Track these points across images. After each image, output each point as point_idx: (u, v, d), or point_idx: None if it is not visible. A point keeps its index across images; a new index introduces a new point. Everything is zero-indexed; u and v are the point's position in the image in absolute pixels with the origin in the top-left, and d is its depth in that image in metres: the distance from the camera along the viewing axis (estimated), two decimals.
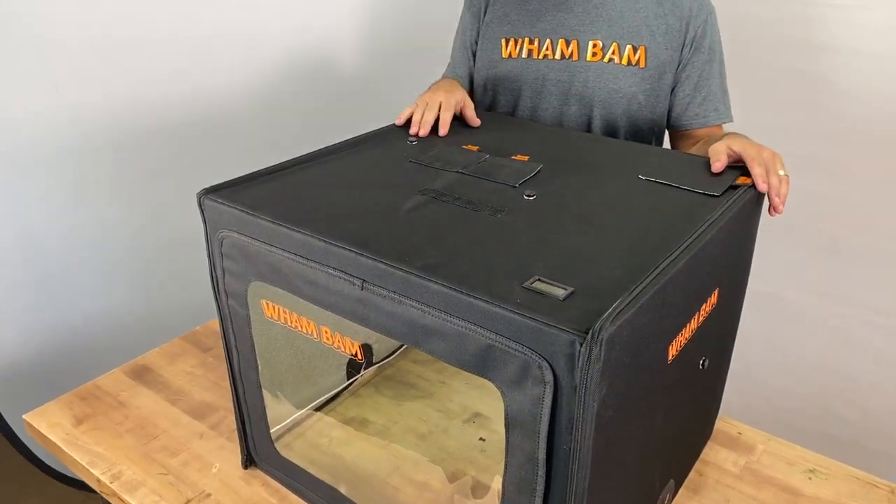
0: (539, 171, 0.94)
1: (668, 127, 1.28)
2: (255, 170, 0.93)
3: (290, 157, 0.98)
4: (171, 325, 1.43)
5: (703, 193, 0.88)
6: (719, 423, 1.13)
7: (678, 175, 0.94)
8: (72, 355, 1.50)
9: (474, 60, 1.35)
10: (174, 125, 1.55)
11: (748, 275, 1.01)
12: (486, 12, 1.32)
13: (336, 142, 1.05)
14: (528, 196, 0.87)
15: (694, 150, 1.20)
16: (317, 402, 1.14)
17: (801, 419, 1.76)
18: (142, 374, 1.24)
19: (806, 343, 1.73)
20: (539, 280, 0.67)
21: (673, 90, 1.22)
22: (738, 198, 0.87)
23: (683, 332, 0.78)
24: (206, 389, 1.21)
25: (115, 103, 1.44)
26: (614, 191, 0.89)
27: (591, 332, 0.58)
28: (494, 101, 1.32)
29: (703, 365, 0.90)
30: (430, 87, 1.24)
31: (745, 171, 0.95)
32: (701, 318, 0.83)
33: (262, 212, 0.81)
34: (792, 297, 1.73)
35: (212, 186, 0.87)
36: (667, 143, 1.33)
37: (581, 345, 0.59)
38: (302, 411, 1.13)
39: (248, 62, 1.66)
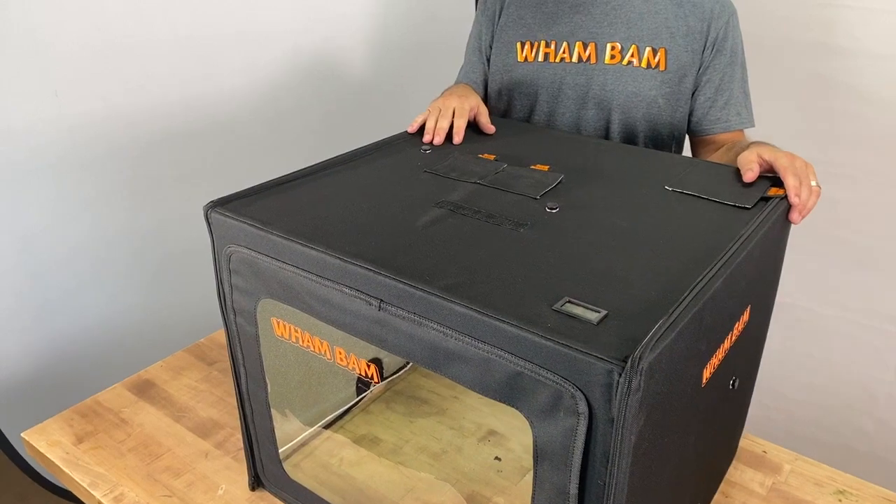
0: (560, 181, 0.90)
1: (689, 132, 1.24)
2: (262, 178, 0.89)
3: (298, 165, 0.94)
4: (174, 337, 1.39)
5: (735, 206, 0.84)
6: (744, 441, 1.09)
7: (706, 186, 0.90)
8: (72, 369, 1.46)
9: (489, 65, 1.31)
10: (177, 132, 1.51)
11: (777, 289, 0.97)
12: (500, 15, 1.28)
13: (346, 149, 1.01)
14: (551, 209, 0.83)
15: (715, 157, 1.16)
16: (326, 419, 1.10)
17: (819, 431, 1.72)
18: (145, 389, 1.20)
19: (824, 354, 1.69)
20: (570, 302, 0.63)
21: (693, 94, 1.18)
22: (770, 210, 0.83)
23: (718, 353, 0.74)
24: (212, 405, 1.17)
25: (116, 110, 1.40)
26: (641, 203, 0.85)
27: (630, 360, 0.54)
28: (510, 106, 1.28)
29: (733, 385, 0.86)
30: (442, 93, 1.21)
31: (775, 181, 0.91)
32: (734, 338, 0.79)
33: (272, 226, 0.77)
34: (810, 307, 1.69)
35: (219, 199, 0.83)
36: (686, 149, 1.29)
37: (620, 374, 0.55)
38: (311, 429, 1.09)
39: (253, 65, 1.62)
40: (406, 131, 1.10)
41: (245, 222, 0.78)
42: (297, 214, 0.80)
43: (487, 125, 1.10)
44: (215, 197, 0.83)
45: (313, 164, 0.96)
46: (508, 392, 0.62)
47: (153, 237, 1.52)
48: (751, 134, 1.20)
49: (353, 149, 1.01)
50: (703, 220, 0.81)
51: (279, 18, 1.64)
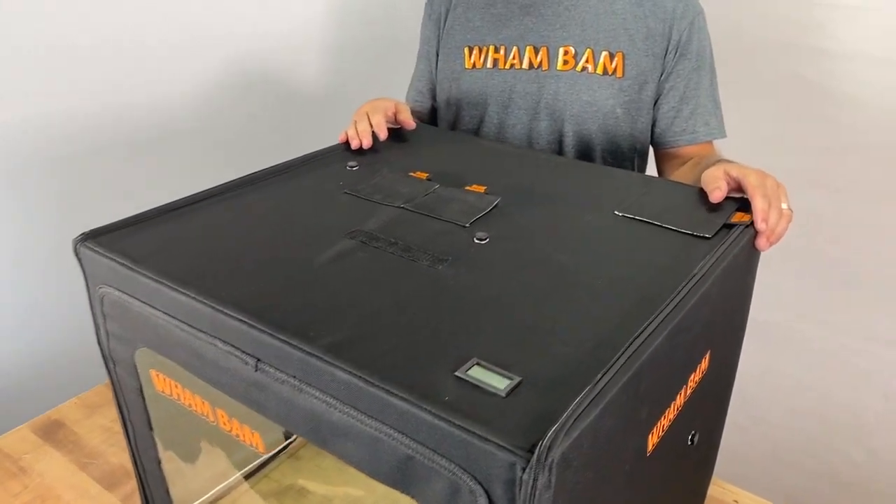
0: (496, 205, 0.79)
1: (653, 145, 1.12)
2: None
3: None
4: (94, 368, 1.27)
5: (693, 235, 0.73)
6: (713, 489, 0.98)
7: (661, 209, 0.78)
8: None
9: (436, 72, 1.20)
10: (109, 143, 1.39)
11: (745, 325, 0.85)
12: (446, 18, 1.16)
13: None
14: (480, 239, 0.71)
15: (681, 174, 1.04)
16: (246, 469, 0.99)
17: (804, 458, 1.61)
18: (52, 432, 1.08)
19: (806, 376, 1.58)
20: (478, 364, 0.52)
21: (656, 103, 1.07)
22: (734, 240, 0.72)
23: (667, 413, 0.63)
24: (124, 450, 1.04)
25: (49, 120, 1.28)
26: (585, 232, 0.74)
27: (537, 451, 0.43)
28: (458, 116, 1.17)
29: (692, 441, 0.75)
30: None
31: (742, 203, 0.79)
32: (689, 392, 0.68)
33: (143, 264, 0.65)
34: (788, 326, 1.58)
35: (95, 229, 0.71)
36: (652, 165, 1.18)
37: (524, 469, 0.43)
38: (231, 479, 0.97)
39: (193, 72, 1.50)
40: (338, 144, 0.99)
41: (114, 259, 0.66)
42: (179, 249, 0.68)
43: (407, 121, 1.01)
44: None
45: (221, 183, 0.85)
46: (401, 477, 0.51)
47: (71, 257, 1.39)
48: (722, 145, 1.09)
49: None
50: (654, 253, 0.70)
51: (224, 22, 1.52)
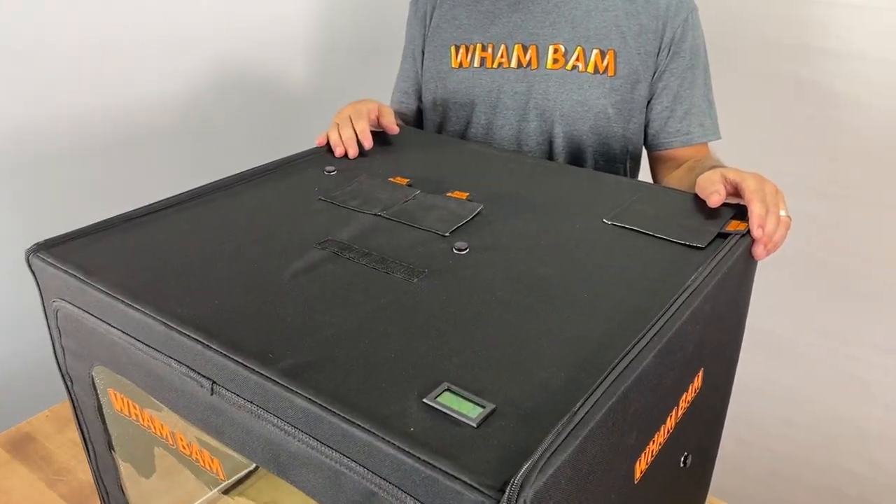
0: (478, 213, 0.75)
1: (646, 146, 1.08)
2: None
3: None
4: None
5: (685, 245, 0.69)
6: None
7: (653, 217, 0.74)
8: None
9: (422, 72, 1.16)
10: (85, 144, 1.35)
11: (742, 339, 0.81)
12: (432, 16, 1.12)
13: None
14: (459, 250, 0.67)
15: (675, 178, 1.00)
16: (222, 485, 0.94)
17: (804, 471, 1.57)
18: (22, 446, 1.04)
19: (808, 387, 1.54)
20: (449, 390, 0.48)
21: (649, 103, 1.03)
22: (729, 251, 0.68)
23: (656, 438, 0.59)
24: None
25: (21, 121, 1.24)
26: (571, 242, 0.70)
27: (507, 491, 0.39)
28: (445, 117, 1.13)
29: (685, 463, 0.70)
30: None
31: (739, 211, 0.75)
32: (680, 413, 0.63)
33: (96, 277, 0.61)
34: (787, 335, 1.53)
35: (48, 240, 0.67)
36: (644, 169, 1.14)
37: None
38: (209, 494, 0.93)
39: (174, 72, 1.45)
40: (317, 145, 0.95)
41: (66, 271, 0.62)
42: (136, 261, 0.64)
43: (391, 126, 0.97)
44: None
45: (192, 188, 0.81)
46: None
47: None
48: (716, 147, 1.05)
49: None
50: (643, 265, 0.65)
51: (203, 21, 1.47)
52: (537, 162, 0.93)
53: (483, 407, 0.46)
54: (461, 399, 0.47)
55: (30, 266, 0.65)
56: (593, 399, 0.46)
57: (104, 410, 0.68)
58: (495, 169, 0.88)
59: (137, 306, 0.56)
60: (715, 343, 0.70)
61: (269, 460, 0.51)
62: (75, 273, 0.61)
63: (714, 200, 0.74)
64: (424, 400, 0.47)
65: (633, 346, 0.52)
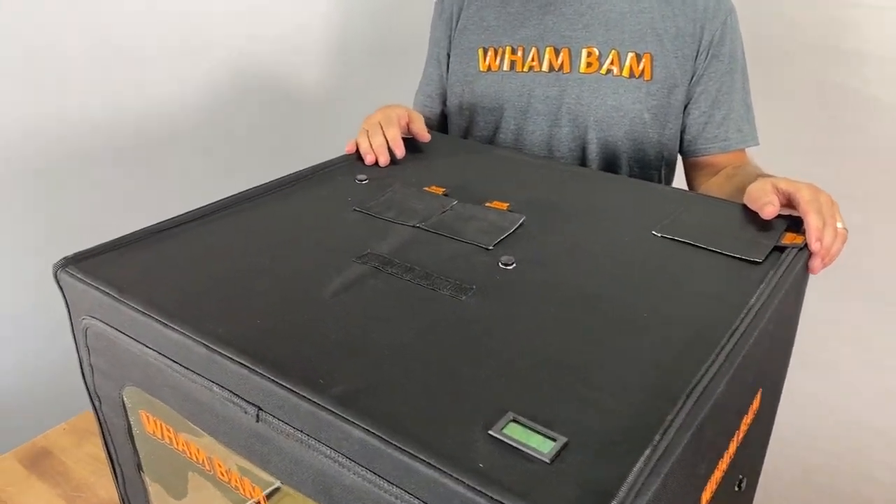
0: (521, 224, 0.72)
1: (682, 153, 1.05)
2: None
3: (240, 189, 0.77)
4: (83, 391, 1.19)
5: (741, 259, 0.66)
6: None
7: (704, 229, 0.71)
8: None
9: (447, 76, 1.13)
10: (100, 150, 1.32)
11: (790, 355, 0.78)
12: (458, 18, 1.09)
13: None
14: (506, 264, 0.64)
15: (713, 185, 0.97)
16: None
17: (829, 479, 1.53)
18: (39, 461, 1.01)
19: (830, 395, 1.51)
20: (514, 421, 0.45)
21: (686, 107, 1.00)
22: (788, 266, 0.65)
23: (720, 465, 0.56)
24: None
25: (36, 126, 1.21)
26: (621, 256, 0.67)
27: None
28: (472, 123, 1.09)
29: (740, 486, 0.67)
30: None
31: (791, 223, 0.72)
32: (741, 436, 0.60)
33: (130, 294, 0.58)
34: (811, 342, 1.50)
35: (77, 254, 0.64)
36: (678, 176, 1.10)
37: None
38: None
39: (192, 76, 1.42)
40: (346, 154, 0.92)
41: (98, 288, 0.59)
42: (170, 277, 0.61)
43: (422, 132, 0.94)
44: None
45: (220, 199, 0.78)
46: None
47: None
48: (753, 154, 1.02)
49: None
50: (701, 281, 0.62)
51: (221, 23, 1.44)
52: (573, 169, 0.90)
53: (553, 440, 0.43)
54: (529, 431, 0.44)
55: (57, 281, 0.63)
56: (672, 431, 0.43)
57: (133, 431, 0.65)
58: (531, 177, 0.85)
59: (175, 326, 0.53)
60: (772, 362, 0.67)
61: (319, 492, 0.48)
62: (107, 290, 0.58)
63: (768, 212, 0.70)
64: (490, 432, 0.44)
65: (706, 372, 0.49)
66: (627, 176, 1.02)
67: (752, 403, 0.62)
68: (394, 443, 0.43)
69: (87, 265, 0.62)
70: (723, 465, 0.56)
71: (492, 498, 0.39)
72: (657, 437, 0.43)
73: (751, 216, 0.74)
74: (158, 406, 0.59)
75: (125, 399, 0.63)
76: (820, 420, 1.54)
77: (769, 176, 0.82)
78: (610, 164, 1.02)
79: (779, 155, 1.09)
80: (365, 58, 1.77)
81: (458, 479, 0.40)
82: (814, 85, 1.38)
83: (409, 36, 1.62)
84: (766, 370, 0.64)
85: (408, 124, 0.94)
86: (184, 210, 0.73)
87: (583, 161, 1.02)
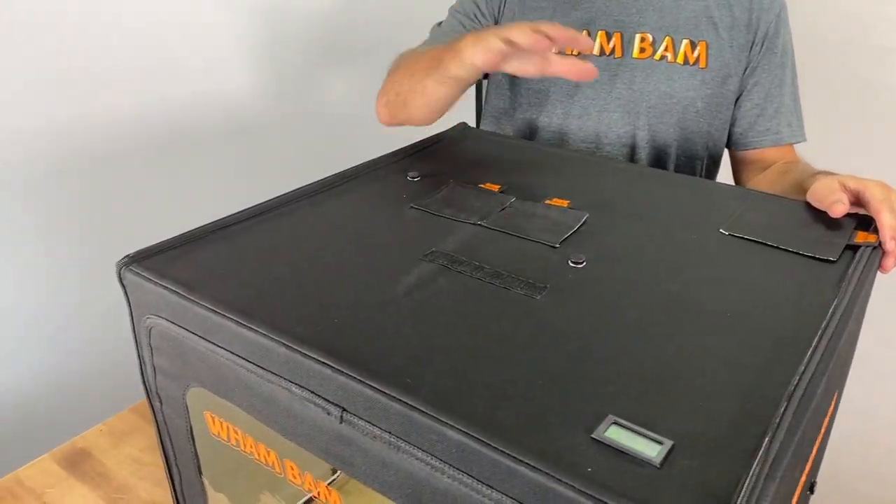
0: (584, 222, 0.71)
1: (731, 146, 1.03)
2: (230, 207, 0.69)
3: (276, 190, 0.75)
4: (120, 392, 1.19)
5: (814, 258, 0.64)
6: None
7: (771, 227, 0.70)
8: None
9: None
10: (126, 149, 1.31)
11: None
12: (506, 2, 1.06)
13: (334, 170, 0.82)
14: (576, 263, 0.63)
15: (764, 180, 0.96)
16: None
17: (864, 484, 1.52)
18: (77, 462, 1.00)
19: (866, 397, 1.49)
20: (616, 423, 0.43)
21: (738, 99, 0.98)
22: (865, 265, 0.63)
23: (806, 469, 0.54)
24: (156, 484, 0.96)
25: (72, 125, 1.20)
26: (691, 254, 0.65)
27: None
28: (514, 107, 1.07)
29: (811, 490, 0.66)
30: (456, 46, 0.77)
31: (860, 221, 0.71)
32: (820, 439, 0.59)
33: (199, 293, 0.57)
34: (871, 353, 1.49)
35: (139, 252, 0.63)
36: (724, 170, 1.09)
37: None
38: None
39: (220, 70, 1.42)
40: (390, 153, 0.90)
41: (165, 286, 0.58)
42: (237, 274, 0.60)
43: (585, 41, 0.72)
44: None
45: (274, 196, 0.76)
46: None
47: (96, 274, 1.31)
48: (801, 151, 1.00)
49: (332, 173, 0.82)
50: (777, 280, 0.61)
51: (250, 21, 1.44)
52: (626, 166, 0.89)
53: (660, 443, 0.42)
54: (632, 434, 0.43)
55: (121, 280, 0.61)
56: (781, 434, 0.42)
57: (195, 433, 0.64)
58: (585, 173, 0.84)
59: (252, 325, 0.52)
60: (848, 362, 0.65)
61: (407, 496, 0.47)
62: (176, 289, 0.57)
63: (837, 210, 0.69)
64: (593, 436, 0.42)
65: (804, 373, 0.48)
66: (674, 166, 1.01)
67: (831, 405, 0.60)
68: (495, 445, 0.41)
69: (152, 263, 0.61)
70: (807, 468, 0.55)
71: (603, 502, 0.38)
72: (766, 441, 0.41)
73: (816, 214, 0.73)
74: (226, 407, 0.58)
75: (188, 400, 0.62)
76: (855, 422, 1.53)
77: (827, 172, 0.80)
78: (659, 152, 1.00)
79: (820, 150, 1.07)
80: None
81: (568, 483, 0.39)
82: (865, 84, 1.37)
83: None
84: (843, 372, 0.62)
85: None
86: (218, 209, 0.72)
87: (631, 149, 1.01)
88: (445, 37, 1.06)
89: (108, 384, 1.31)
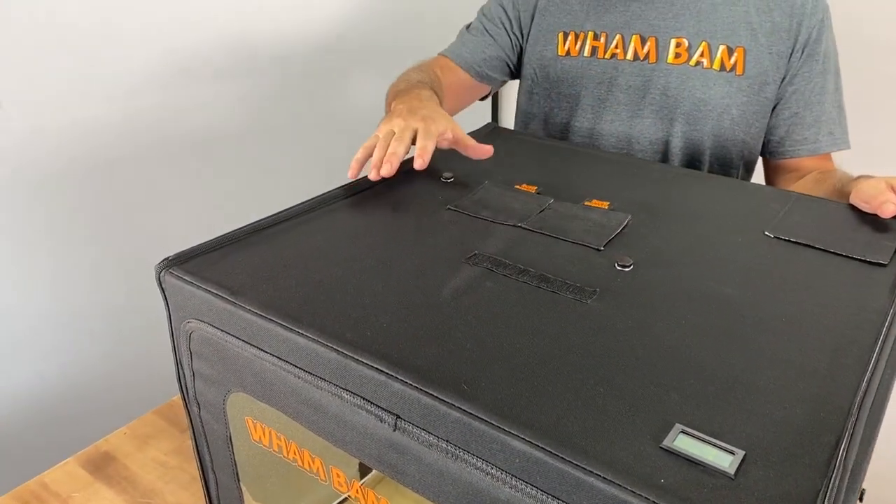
0: (627, 224, 0.69)
1: (766, 154, 1.02)
2: (248, 211, 0.68)
3: (292, 199, 0.74)
4: (143, 395, 1.18)
5: (865, 261, 0.63)
6: None
7: (817, 230, 0.69)
8: (13, 439, 1.24)
9: (518, 46, 1.07)
10: (146, 147, 1.30)
11: None
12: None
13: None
14: (623, 266, 0.62)
15: (801, 187, 0.95)
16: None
17: (885, 488, 1.50)
18: (102, 466, 0.99)
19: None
20: (684, 432, 0.42)
21: (775, 107, 0.97)
22: None
23: (863, 477, 0.53)
24: (183, 487, 0.95)
25: (85, 126, 1.19)
26: (739, 257, 0.64)
27: None
28: (544, 109, 1.06)
29: (861, 498, 0.65)
30: (394, 108, 0.86)
31: None
32: (874, 446, 0.58)
33: (244, 296, 0.56)
34: None
35: (178, 254, 0.62)
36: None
37: None
38: None
39: (234, 72, 1.41)
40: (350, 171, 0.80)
41: (208, 290, 0.57)
42: (280, 277, 0.59)
43: (477, 147, 0.80)
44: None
45: (306, 199, 0.75)
46: None
47: (115, 273, 1.30)
48: (841, 160, 0.98)
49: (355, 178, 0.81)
50: (828, 283, 0.60)
51: (263, 17, 1.43)
52: (662, 168, 0.88)
53: (731, 453, 0.41)
54: (702, 443, 0.41)
55: (160, 283, 0.60)
56: (856, 444, 0.41)
57: (233, 439, 0.63)
58: (620, 174, 0.83)
59: (301, 330, 0.51)
60: None
61: None
62: (220, 293, 0.56)
63: (888, 211, 0.68)
64: (662, 445, 0.41)
65: (871, 380, 0.46)
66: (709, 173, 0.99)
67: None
68: (562, 455, 0.40)
69: (192, 266, 0.60)
70: (864, 476, 0.54)
71: None
72: (842, 451, 0.40)
73: (862, 216, 0.72)
74: (266, 412, 0.57)
75: (228, 406, 0.60)
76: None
77: (868, 177, 0.79)
78: (692, 159, 0.99)
79: (855, 156, 1.06)
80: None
81: (642, 496, 0.38)
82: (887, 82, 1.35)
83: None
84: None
85: (453, 144, 0.81)
86: (242, 212, 0.71)
87: (664, 155, 1.00)
88: (474, 37, 1.06)
89: (131, 387, 1.30)
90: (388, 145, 0.75)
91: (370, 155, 0.76)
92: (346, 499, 0.90)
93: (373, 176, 0.75)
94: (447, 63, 1.09)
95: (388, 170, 0.74)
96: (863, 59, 1.36)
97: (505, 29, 1.09)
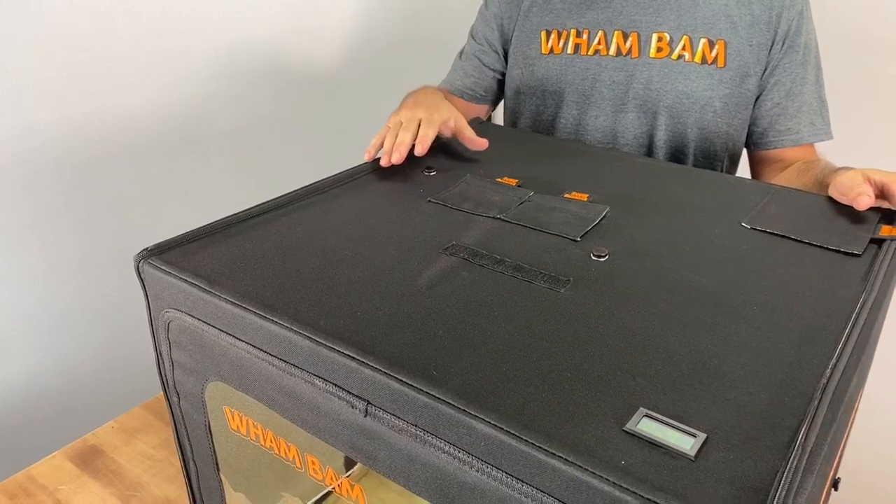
0: (605, 215, 0.70)
1: (750, 145, 1.03)
2: (231, 206, 0.69)
3: (277, 191, 0.74)
4: (130, 389, 1.18)
5: (839, 251, 0.64)
6: None
7: (794, 221, 0.69)
8: (3, 432, 1.24)
9: (505, 55, 1.10)
10: (139, 146, 1.31)
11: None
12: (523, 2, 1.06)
13: (337, 169, 0.81)
14: (598, 256, 0.62)
15: (784, 178, 0.95)
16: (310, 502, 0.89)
17: (880, 482, 1.51)
18: (90, 460, 0.99)
19: (885, 394, 1.48)
20: (648, 416, 0.43)
21: (757, 99, 0.97)
22: (891, 259, 0.63)
23: (835, 465, 0.54)
24: (169, 480, 0.96)
25: (72, 123, 1.19)
26: (714, 247, 0.65)
27: None
28: (529, 108, 1.07)
29: (836, 487, 0.65)
30: (403, 102, 0.97)
31: (884, 215, 0.70)
32: (847, 437, 0.58)
33: (220, 286, 0.56)
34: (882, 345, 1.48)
35: (157, 245, 0.62)
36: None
37: None
38: None
39: (223, 72, 1.41)
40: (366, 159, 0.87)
41: (185, 280, 0.57)
42: (257, 267, 0.59)
43: (475, 139, 0.86)
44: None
45: (287, 192, 0.76)
46: None
47: (104, 268, 1.31)
48: (824, 149, 0.99)
49: (342, 170, 0.81)
50: (802, 272, 0.60)
51: (257, 18, 1.43)
52: (644, 160, 0.88)
53: (693, 436, 0.41)
54: (665, 426, 0.42)
55: (139, 273, 0.61)
56: (816, 426, 0.41)
57: (212, 428, 0.63)
58: (604, 168, 0.83)
59: (275, 318, 0.52)
60: (870, 357, 0.64)
61: (432, 490, 0.46)
62: (197, 282, 0.57)
63: (862, 203, 0.68)
64: (625, 428, 0.42)
65: (836, 366, 0.47)
66: (692, 166, 1.00)
67: (858, 399, 0.59)
68: (526, 438, 0.41)
69: (170, 256, 0.61)
70: (837, 464, 0.54)
71: (642, 497, 0.37)
72: (802, 433, 0.41)
73: (838, 208, 0.72)
74: (244, 401, 0.58)
75: (206, 395, 0.61)
76: (871, 420, 1.52)
77: (848, 168, 0.80)
78: (676, 152, 0.99)
79: (843, 150, 1.06)
80: (416, 54, 1.75)
81: (602, 476, 0.38)
82: (874, 76, 1.35)
83: (453, 31, 1.61)
84: (867, 366, 0.61)
85: (454, 132, 0.87)
86: (229, 206, 0.71)
87: (649, 149, 1.00)
88: (465, 63, 1.12)
89: (119, 381, 1.30)
90: (397, 135, 0.82)
91: (382, 144, 0.84)
92: (330, 491, 0.90)
93: (384, 163, 0.81)
94: (446, 93, 1.13)
95: (397, 157, 0.80)
96: (858, 57, 1.37)
97: (492, 46, 1.11)
